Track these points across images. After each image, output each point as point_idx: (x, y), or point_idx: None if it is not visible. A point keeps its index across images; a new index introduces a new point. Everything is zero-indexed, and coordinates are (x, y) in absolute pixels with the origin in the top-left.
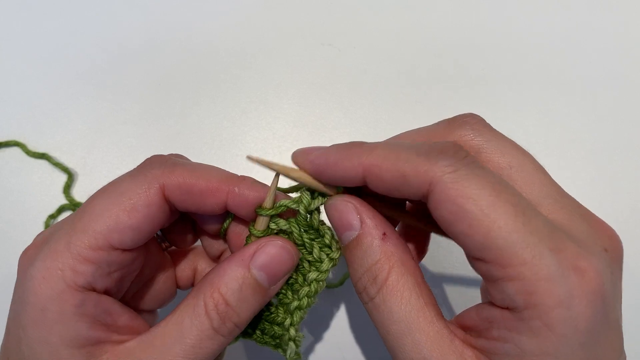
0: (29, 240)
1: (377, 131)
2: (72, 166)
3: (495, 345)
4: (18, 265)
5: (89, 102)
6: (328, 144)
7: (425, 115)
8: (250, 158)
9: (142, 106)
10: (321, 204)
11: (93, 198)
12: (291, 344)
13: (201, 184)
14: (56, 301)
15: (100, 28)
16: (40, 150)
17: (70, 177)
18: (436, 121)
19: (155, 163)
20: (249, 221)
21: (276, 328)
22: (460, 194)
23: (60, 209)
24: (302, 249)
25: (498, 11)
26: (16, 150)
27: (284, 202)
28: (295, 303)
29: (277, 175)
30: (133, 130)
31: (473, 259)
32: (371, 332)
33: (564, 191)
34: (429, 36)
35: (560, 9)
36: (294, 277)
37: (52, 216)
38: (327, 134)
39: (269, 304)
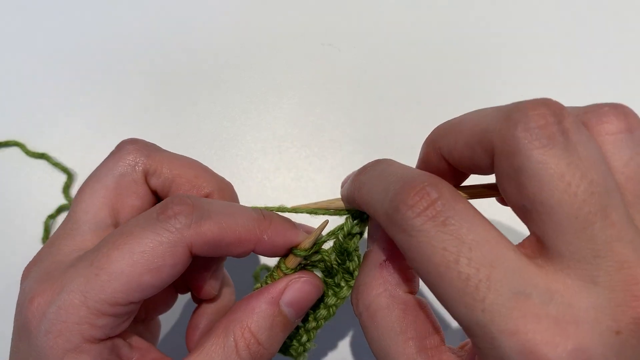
0: (28, 240)
1: (377, 131)
2: (71, 166)
3: None
4: (21, 283)
5: (88, 102)
6: (328, 144)
7: (425, 115)
8: (295, 209)
9: (142, 106)
10: (361, 231)
11: (111, 251)
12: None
13: (229, 236)
14: (72, 354)
15: (100, 28)
16: (40, 150)
17: (70, 177)
18: (436, 120)
19: (180, 216)
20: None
21: (295, 343)
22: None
23: (60, 209)
24: (325, 272)
25: (498, 11)
26: (15, 150)
27: (322, 239)
28: (313, 324)
29: (325, 223)
30: (133, 131)
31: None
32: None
33: None
34: (429, 36)
35: (561, 9)
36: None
37: (52, 216)
38: (327, 134)
39: None
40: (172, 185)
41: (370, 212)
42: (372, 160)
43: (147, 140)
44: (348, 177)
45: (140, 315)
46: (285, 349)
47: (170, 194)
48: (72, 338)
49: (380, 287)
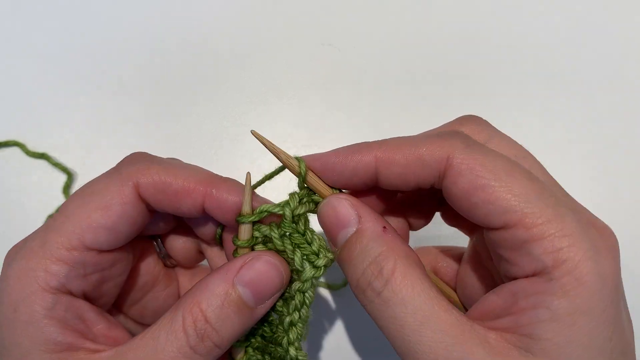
0: None
1: (377, 131)
2: (71, 166)
3: (524, 315)
4: (2, 264)
5: (88, 102)
6: (328, 144)
7: (425, 114)
8: (255, 134)
9: (142, 106)
10: (309, 211)
11: (69, 199)
12: None
13: (177, 183)
14: (27, 302)
15: (100, 28)
16: (40, 150)
17: (70, 177)
18: (436, 120)
19: (131, 161)
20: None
21: (279, 349)
22: (480, 163)
23: None
24: (286, 257)
25: (498, 11)
26: (16, 150)
27: (266, 206)
28: (288, 319)
29: (249, 175)
30: (132, 130)
31: (494, 230)
32: (371, 336)
33: (560, 186)
34: (429, 36)
35: (561, 8)
36: (287, 289)
37: (52, 216)
38: (327, 134)
39: (271, 324)
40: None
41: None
42: None
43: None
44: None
45: (135, 315)
46: (280, 358)
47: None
48: (29, 284)
49: (397, 250)
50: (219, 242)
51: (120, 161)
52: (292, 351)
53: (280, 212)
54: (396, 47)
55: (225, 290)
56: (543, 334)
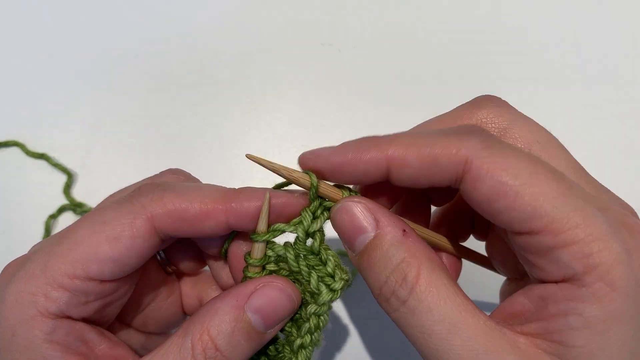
0: (28, 240)
1: (377, 131)
2: (71, 166)
3: (555, 322)
4: None
5: (88, 102)
6: (328, 144)
7: (425, 114)
8: (250, 157)
9: (142, 106)
10: (324, 222)
11: (76, 223)
12: None
13: (194, 207)
14: (26, 327)
15: (100, 28)
16: (40, 150)
17: (70, 177)
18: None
19: (143, 190)
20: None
21: None
22: (500, 166)
23: (61, 209)
24: (300, 277)
25: (498, 11)
26: (16, 150)
27: (280, 225)
28: (298, 341)
29: (268, 193)
30: (132, 130)
31: (518, 234)
32: (377, 337)
33: (585, 170)
34: (429, 36)
35: (561, 8)
36: (299, 312)
37: (53, 216)
38: (327, 134)
39: (276, 342)
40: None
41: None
42: None
43: (189, 174)
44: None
45: (138, 324)
46: None
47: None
48: (27, 309)
49: (420, 255)
50: (224, 256)
51: (131, 192)
52: None
53: (294, 232)
54: (396, 47)
55: (236, 316)
56: (575, 341)
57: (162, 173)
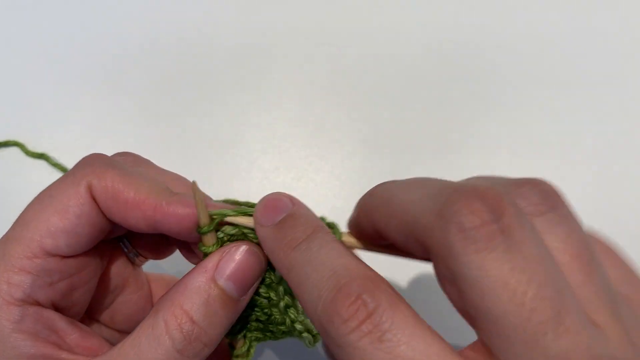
0: None
1: (377, 131)
2: (71, 166)
3: None
4: None
5: (88, 102)
6: (328, 144)
7: (425, 114)
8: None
9: (142, 106)
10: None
11: (28, 205)
12: (305, 334)
13: (129, 192)
14: None
15: (100, 28)
16: (40, 150)
17: None
18: (436, 120)
19: (87, 162)
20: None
21: (282, 327)
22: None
23: None
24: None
25: (499, 11)
26: (15, 150)
27: (224, 210)
28: (282, 303)
29: (195, 184)
30: (132, 131)
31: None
32: None
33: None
34: (429, 36)
35: (562, 8)
36: (267, 275)
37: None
38: (327, 134)
39: (262, 307)
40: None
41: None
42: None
43: (139, 155)
44: (265, 209)
45: (106, 320)
46: (286, 332)
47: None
48: None
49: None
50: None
51: (77, 162)
52: (298, 326)
53: (237, 217)
54: (397, 47)
55: (207, 287)
56: None
57: (111, 156)
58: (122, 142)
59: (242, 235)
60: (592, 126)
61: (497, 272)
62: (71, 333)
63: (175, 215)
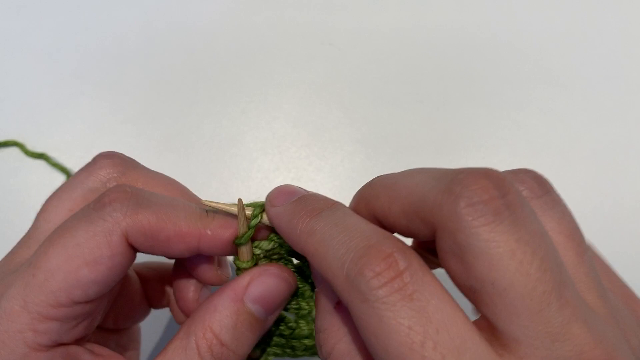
0: None
1: (377, 131)
2: (70, 166)
3: None
4: None
5: (87, 102)
6: (328, 144)
7: (425, 114)
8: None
9: (141, 106)
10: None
11: (46, 249)
12: None
13: (169, 229)
14: None
15: (99, 27)
16: (39, 150)
17: (69, 177)
18: (436, 120)
19: (116, 204)
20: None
21: (306, 341)
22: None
23: None
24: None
25: (499, 11)
26: (15, 150)
27: (256, 221)
28: (314, 312)
29: (241, 201)
30: (132, 130)
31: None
32: None
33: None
34: (429, 36)
35: (562, 8)
36: (300, 284)
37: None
38: (327, 134)
39: (286, 322)
40: None
41: (321, 267)
42: (372, 158)
43: (125, 155)
44: (279, 193)
45: (108, 324)
46: (306, 349)
47: None
48: (16, 348)
49: (340, 332)
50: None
51: (100, 200)
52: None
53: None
54: (396, 47)
55: (236, 310)
56: None
57: (95, 159)
58: (122, 142)
59: (278, 249)
60: (592, 126)
61: (504, 243)
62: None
63: (220, 239)
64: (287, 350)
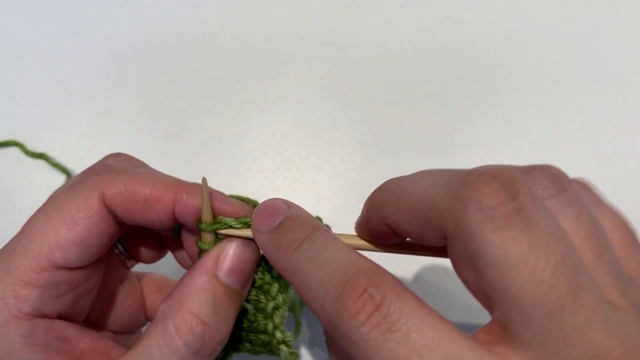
0: None
1: (377, 131)
2: (70, 166)
3: None
4: None
5: (88, 102)
6: (328, 144)
7: (426, 114)
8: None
9: (142, 106)
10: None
11: (31, 217)
12: (282, 346)
13: (145, 190)
14: (1, 333)
15: (100, 28)
16: (39, 150)
17: (70, 177)
18: (436, 120)
19: (94, 171)
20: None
21: (262, 336)
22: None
23: None
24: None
25: (499, 10)
26: (15, 150)
27: (228, 220)
28: (271, 304)
29: (205, 180)
30: (132, 130)
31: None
32: None
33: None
34: (430, 36)
35: (562, 8)
36: (260, 277)
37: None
38: (327, 134)
39: (246, 314)
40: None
41: (310, 307)
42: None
43: (135, 157)
44: (261, 216)
45: (108, 324)
46: (263, 344)
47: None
48: None
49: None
50: (177, 237)
51: (82, 172)
52: (278, 335)
53: (240, 227)
54: (397, 47)
55: (212, 285)
56: None
57: (105, 158)
58: (122, 142)
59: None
60: (592, 126)
61: (515, 250)
62: (82, 338)
63: (193, 205)
64: (247, 344)
